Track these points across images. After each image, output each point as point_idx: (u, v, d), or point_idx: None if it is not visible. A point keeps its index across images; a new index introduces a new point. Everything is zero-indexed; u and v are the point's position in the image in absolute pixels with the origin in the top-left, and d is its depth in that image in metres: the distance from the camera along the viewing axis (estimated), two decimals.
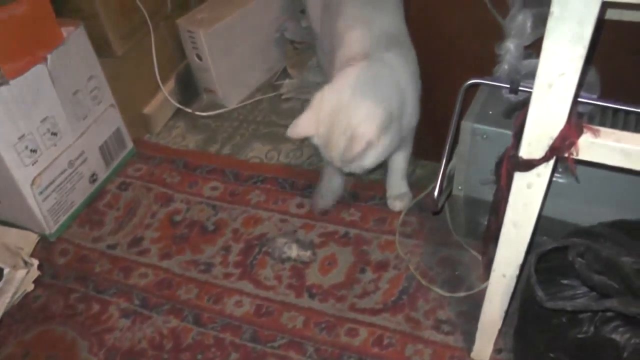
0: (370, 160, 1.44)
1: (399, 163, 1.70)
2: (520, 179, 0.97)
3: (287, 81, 2.27)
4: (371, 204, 1.75)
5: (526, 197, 0.98)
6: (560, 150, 0.89)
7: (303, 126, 1.45)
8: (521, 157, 0.93)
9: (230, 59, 2.20)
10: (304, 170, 1.93)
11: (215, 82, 2.21)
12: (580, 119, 0.89)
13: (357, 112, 1.39)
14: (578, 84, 0.82)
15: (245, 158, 2.02)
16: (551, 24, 0.78)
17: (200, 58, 2.16)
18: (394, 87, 1.47)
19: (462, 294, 1.49)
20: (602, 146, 0.88)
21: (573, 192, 1.32)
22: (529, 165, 0.93)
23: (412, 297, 1.51)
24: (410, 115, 1.55)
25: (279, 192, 1.85)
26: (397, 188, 1.74)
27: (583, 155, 0.90)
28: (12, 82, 1.59)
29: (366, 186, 1.82)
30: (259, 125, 2.16)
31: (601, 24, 1.18)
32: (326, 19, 1.76)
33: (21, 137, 1.65)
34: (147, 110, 2.17)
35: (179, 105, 2.24)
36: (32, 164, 1.70)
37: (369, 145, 1.37)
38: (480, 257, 1.54)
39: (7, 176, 1.67)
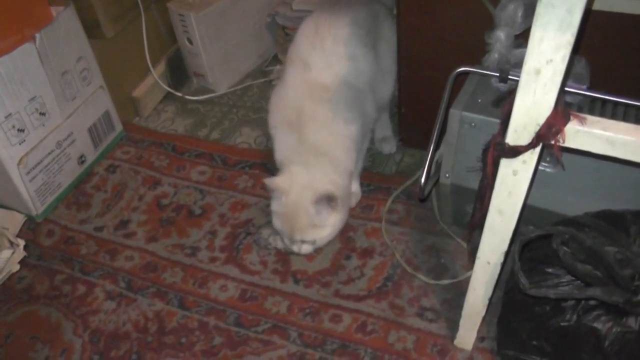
0: (318, 242, 1.55)
1: (381, 123, 1.86)
2: (506, 166, 0.97)
3: (277, 67, 2.27)
4: None
5: (512, 184, 0.98)
6: (546, 137, 0.89)
7: (279, 186, 1.53)
8: (507, 144, 0.93)
9: (221, 43, 2.19)
10: None
11: (206, 66, 2.21)
12: (568, 107, 0.89)
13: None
14: (566, 72, 0.82)
15: (234, 143, 2.02)
16: (540, 10, 0.78)
17: (190, 42, 2.15)
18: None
19: (446, 282, 1.49)
20: (588, 134, 0.89)
21: (560, 182, 1.32)
22: (515, 152, 0.93)
23: (396, 284, 1.51)
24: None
25: (267, 178, 1.84)
26: (381, 131, 1.87)
27: (569, 143, 0.90)
28: None
29: None
30: (248, 111, 2.15)
31: (588, 13, 1.18)
32: None
33: (8, 116, 1.64)
34: (137, 93, 2.16)
35: (168, 89, 2.23)
36: (19, 144, 1.69)
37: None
38: (465, 246, 1.54)
39: None
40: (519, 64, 1.31)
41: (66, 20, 1.76)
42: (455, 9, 1.47)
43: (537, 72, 0.83)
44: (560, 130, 0.88)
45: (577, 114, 0.89)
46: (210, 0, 2.11)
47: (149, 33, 2.12)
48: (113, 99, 2.02)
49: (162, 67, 2.23)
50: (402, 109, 1.75)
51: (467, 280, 1.36)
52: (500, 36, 1.33)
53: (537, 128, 0.89)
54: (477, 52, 1.38)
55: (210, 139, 2.05)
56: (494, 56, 1.35)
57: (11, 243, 1.71)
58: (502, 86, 1.36)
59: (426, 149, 1.41)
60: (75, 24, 1.81)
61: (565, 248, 1.04)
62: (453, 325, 1.38)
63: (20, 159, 1.71)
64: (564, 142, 0.90)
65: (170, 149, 2.02)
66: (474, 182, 1.37)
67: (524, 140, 0.91)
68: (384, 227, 1.64)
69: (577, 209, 1.25)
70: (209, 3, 2.10)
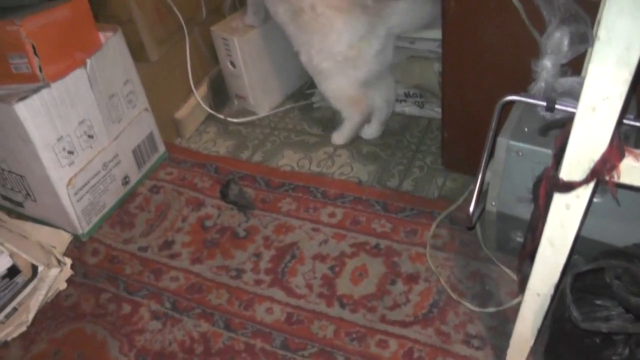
0: None
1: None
2: (559, 200, 0.97)
3: (318, 90, 2.28)
4: (402, 216, 1.76)
5: (564, 217, 0.99)
6: (601, 173, 0.89)
7: None
8: (561, 179, 0.94)
9: (262, 66, 2.21)
10: (335, 179, 1.93)
11: (247, 88, 2.23)
12: (623, 143, 0.89)
13: None
14: (622, 108, 0.83)
15: (277, 166, 2.03)
16: (597, 47, 0.78)
17: (233, 65, 2.18)
18: None
19: (492, 310, 1.49)
20: None
21: (607, 211, 1.31)
22: (568, 186, 0.94)
23: (442, 310, 1.51)
24: None
25: (310, 201, 1.86)
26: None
27: (624, 179, 0.90)
28: (52, 84, 1.62)
29: (397, 197, 1.82)
30: (290, 133, 2.17)
31: None
32: None
33: (59, 139, 1.68)
34: (179, 114, 2.19)
35: (210, 111, 2.26)
36: (69, 165, 1.73)
37: None
38: (510, 273, 1.54)
39: (44, 176, 1.70)
40: (565, 93, 1.33)
41: (114, 45, 1.81)
42: (501, 34, 1.47)
43: (593, 109, 0.84)
44: (615, 166, 0.89)
45: (632, 150, 0.90)
46: None
47: (192, 55, 2.16)
48: (156, 120, 2.06)
49: (204, 89, 2.26)
50: (445, 133, 1.76)
51: (512, 308, 1.36)
52: (547, 65, 1.33)
53: (592, 164, 0.89)
54: (522, 78, 1.39)
55: (253, 161, 2.07)
56: (540, 85, 1.35)
57: (59, 261, 1.74)
58: (549, 115, 1.37)
59: (468, 173, 1.42)
60: (123, 48, 1.85)
61: (618, 282, 1.04)
62: (499, 353, 1.38)
63: (70, 180, 1.74)
64: (618, 178, 0.90)
65: (212, 170, 2.05)
66: (519, 211, 1.38)
67: (578, 176, 0.92)
68: (429, 252, 1.65)
69: (624, 239, 1.25)
70: (251, 27, 2.13)
